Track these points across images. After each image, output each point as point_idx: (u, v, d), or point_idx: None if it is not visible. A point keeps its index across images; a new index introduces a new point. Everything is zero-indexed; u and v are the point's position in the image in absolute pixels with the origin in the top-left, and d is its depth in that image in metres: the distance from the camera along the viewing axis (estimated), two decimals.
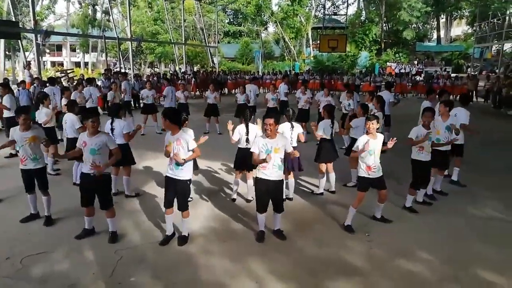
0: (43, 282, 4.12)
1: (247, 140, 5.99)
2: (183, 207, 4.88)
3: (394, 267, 4.45)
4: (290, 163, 6.16)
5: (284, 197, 5.38)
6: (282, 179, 4.98)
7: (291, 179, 6.38)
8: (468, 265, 4.48)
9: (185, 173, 4.79)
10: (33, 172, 5.33)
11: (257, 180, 4.93)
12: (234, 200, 6.47)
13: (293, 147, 5.88)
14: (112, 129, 6.25)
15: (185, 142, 4.69)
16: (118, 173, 6.54)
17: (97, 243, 4.93)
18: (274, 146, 4.75)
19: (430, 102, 7.78)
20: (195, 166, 6.27)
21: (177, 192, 4.82)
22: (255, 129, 6.10)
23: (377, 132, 5.18)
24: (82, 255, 4.67)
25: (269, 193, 4.90)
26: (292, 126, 6.11)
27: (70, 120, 6.73)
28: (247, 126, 6.05)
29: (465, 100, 7.42)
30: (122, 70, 22.08)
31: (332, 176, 6.71)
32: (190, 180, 4.89)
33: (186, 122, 6.13)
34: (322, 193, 6.70)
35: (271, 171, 4.79)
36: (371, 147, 5.09)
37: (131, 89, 14.58)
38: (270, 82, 21.79)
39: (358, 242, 5.03)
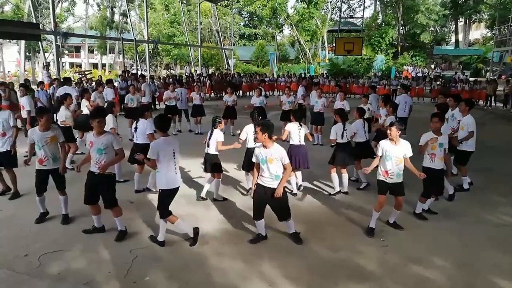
0: (59, 279, 4.21)
1: (255, 140, 6.08)
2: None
3: (407, 273, 4.41)
4: (296, 161, 6.37)
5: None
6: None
7: (293, 176, 6.54)
8: (482, 272, 4.42)
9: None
10: (51, 171, 5.44)
11: (256, 186, 4.89)
12: None
13: (301, 145, 6.47)
14: (135, 128, 6.40)
15: None
16: (142, 171, 6.72)
17: (113, 242, 5.01)
18: (268, 156, 4.68)
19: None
20: (219, 169, 6.31)
21: None
22: None
23: (401, 138, 5.13)
24: (98, 253, 4.75)
25: (267, 200, 4.82)
26: (300, 125, 6.46)
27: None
28: (255, 127, 6.12)
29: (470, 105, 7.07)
30: (138, 72, 22.35)
31: (345, 176, 6.73)
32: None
33: (220, 124, 6.17)
34: (338, 192, 6.73)
35: (267, 179, 4.75)
36: (389, 152, 5.07)
37: (150, 91, 14.77)
38: (285, 84, 21.78)
39: (372, 246, 4.99)
